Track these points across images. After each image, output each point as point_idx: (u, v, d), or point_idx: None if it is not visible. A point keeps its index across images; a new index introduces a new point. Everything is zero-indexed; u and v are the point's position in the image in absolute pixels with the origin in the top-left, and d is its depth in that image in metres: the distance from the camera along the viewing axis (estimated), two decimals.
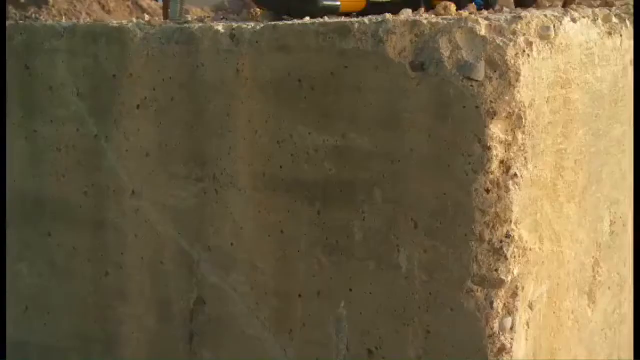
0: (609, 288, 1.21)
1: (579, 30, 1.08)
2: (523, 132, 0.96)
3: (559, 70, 1.03)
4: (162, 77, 1.18)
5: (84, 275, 1.31)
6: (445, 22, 0.98)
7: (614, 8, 1.29)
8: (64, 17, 5.60)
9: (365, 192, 1.02)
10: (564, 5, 1.41)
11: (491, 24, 0.98)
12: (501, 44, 0.95)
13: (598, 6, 1.30)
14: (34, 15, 5.58)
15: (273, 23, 1.08)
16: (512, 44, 0.95)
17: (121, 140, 1.24)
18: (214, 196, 1.15)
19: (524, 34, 0.97)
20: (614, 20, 1.21)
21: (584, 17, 1.10)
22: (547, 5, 1.46)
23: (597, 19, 1.21)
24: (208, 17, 1.88)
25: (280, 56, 1.06)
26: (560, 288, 1.07)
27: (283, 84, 1.07)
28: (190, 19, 1.63)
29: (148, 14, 6.07)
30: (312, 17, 1.16)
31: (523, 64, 0.95)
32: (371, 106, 1.00)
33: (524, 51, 0.95)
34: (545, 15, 1.03)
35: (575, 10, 1.20)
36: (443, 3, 1.21)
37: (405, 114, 0.98)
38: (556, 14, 1.10)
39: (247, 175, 1.12)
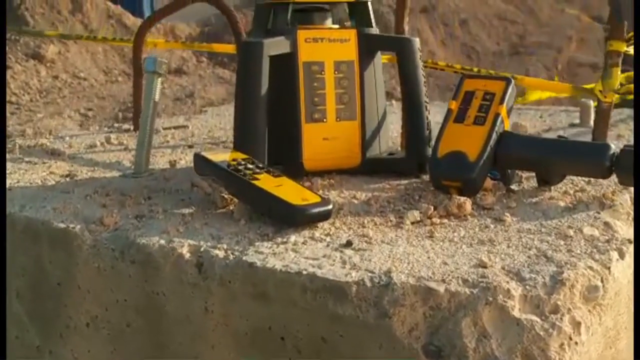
0: None
1: (627, 264, 0.85)
2: None
3: (608, 331, 0.80)
4: (116, 297, 0.93)
5: None
6: (469, 292, 0.73)
7: None
8: (45, 39, 5.31)
9: None
10: None
11: (526, 294, 0.74)
12: (541, 333, 0.71)
13: None
14: (13, 37, 5.29)
15: (250, 261, 0.83)
16: (555, 331, 0.71)
17: (69, 358, 0.99)
18: None
19: (569, 309, 0.74)
20: None
21: (630, 243, 0.87)
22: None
23: None
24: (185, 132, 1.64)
25: (257, 305, 0.82)
26: None
27: (262, 338, 0.82)
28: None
29: (132, 32, 5.78)
30: (296, 225, 0.92)
31: (571, 357, 0.71)
32: None
33: (571, 338, 0.72)
34: (591, 268, 0.79)
35: (612, 203, 0.97)
36: (457, 200, 0.97)
37: None
38: (600, 239, 0.86)
39: None
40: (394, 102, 1.91)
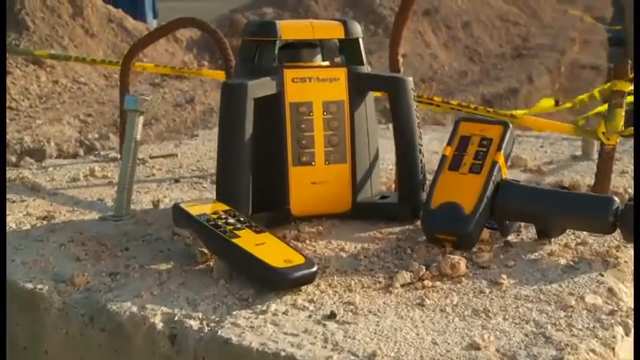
0: None
1: (631, 342, 0.78)
2: None
3: None
4: None
5: None
6: None
7: None
8: (45, 43, 5.26)
9: None
10: None
11: None
12: None
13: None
14: (13, 42, 5.23)
15: (225, 336, 0.76)
16: None
17: None
18: None
19: None
20: None
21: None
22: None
23: None
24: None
25: None
26: None
27: None
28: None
29: (133, 36, 5.73)
30: (277, 290, 0.85)
31: None
32: None
33: None
34: (594, 351, 0.72)
35: (616, 262, 0.90)
36: (450, 260, 0.90)
37: None
38: (604, 309, 0.79)
39: None
40: (390, 125, 1.84)
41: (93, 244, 1.03)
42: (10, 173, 1.45)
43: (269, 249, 0.89)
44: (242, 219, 0.95)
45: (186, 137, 1.85)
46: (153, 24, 6.46)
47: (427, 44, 6.58)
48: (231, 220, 0.94)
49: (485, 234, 1.01)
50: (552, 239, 1.00)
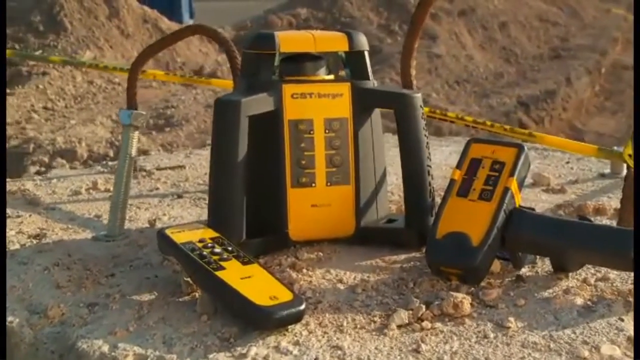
0: None
1: None
2: None
3: None
4: None
5: None
6: None
7: None
8: (82, 44, 5.26)
9: None
10: None
11: None
12: None
13: None
14: (52, 43, 5.25)
15: None
16: None
17: None
18: None
19: None
20: None
21: None
22: None
23: None
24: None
25: None
26: None
27: None
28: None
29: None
30: (261, 329, 0.77)
31: None
32: None
33: None
34: None
35: None
36: (453, 298, 0.81)
37: None
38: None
39: None
40: None
41: (78, 269, 0.97)
42: (12, 185, 1.39)
43: (255, 283, 0.81)
44: (229, 248, 0.87)
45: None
46: (189, 24, 6.44)
47: (462, 45, 6.43)
48: (217, 250, 0.86)
49: (497, 265, 0.92)
50: (570, 274, 0.90)
